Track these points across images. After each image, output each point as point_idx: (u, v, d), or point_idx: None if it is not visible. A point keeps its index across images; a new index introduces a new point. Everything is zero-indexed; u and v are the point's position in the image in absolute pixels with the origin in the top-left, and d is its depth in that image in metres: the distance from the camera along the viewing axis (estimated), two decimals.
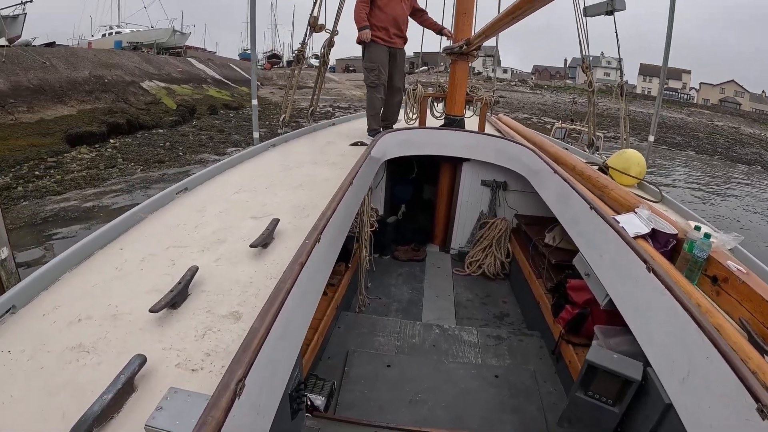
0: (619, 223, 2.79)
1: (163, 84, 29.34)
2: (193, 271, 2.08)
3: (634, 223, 2.80)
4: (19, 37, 28.13)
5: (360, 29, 5.47)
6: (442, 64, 6.51)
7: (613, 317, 2.79)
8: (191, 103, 27.18)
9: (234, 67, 47.07)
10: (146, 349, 1.60)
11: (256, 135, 5.91)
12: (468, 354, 4.16)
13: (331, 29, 6.07)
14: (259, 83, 46.08)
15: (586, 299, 3.33)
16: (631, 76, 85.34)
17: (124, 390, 1.39)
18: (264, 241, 2.42)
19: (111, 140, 19.26)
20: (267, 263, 2.29)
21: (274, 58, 74.05)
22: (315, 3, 5.80)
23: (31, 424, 1.37)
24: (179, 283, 1.98)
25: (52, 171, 15.16)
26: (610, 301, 2.74)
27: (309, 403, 2.96)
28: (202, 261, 2.27)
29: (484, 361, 4.07)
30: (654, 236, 2.71)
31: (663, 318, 2.09)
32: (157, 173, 15.31)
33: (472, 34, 5.66)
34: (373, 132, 5.81)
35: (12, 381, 1.55)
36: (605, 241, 2.79)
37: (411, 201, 6.97)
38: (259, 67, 61.16)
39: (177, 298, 1.90)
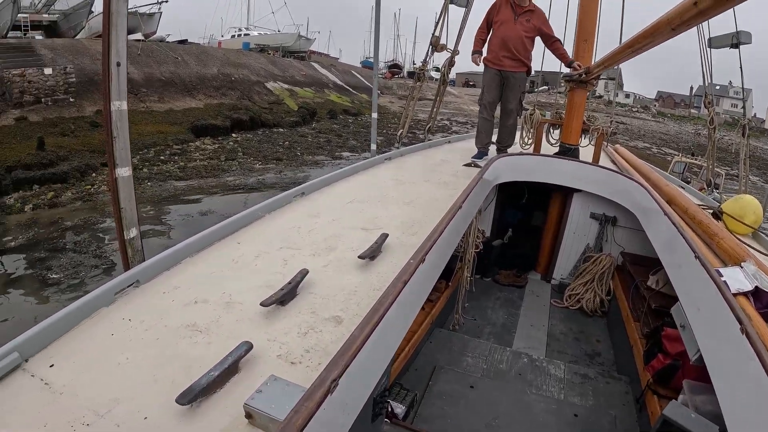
0: (721, 276, 2.65)
1: (286, 86, 30.67)
2: (304, 273, 2.25)
3: (737, 278, 2.66)
4: (155, 33, 30.69)
5: (472, 53, 5.75)
6: (563, 85, 6.41)
7: (703, 374, 2.66)
8: (312, 106, 28.22)
9: (355, 74, 48.32)
10: (253, 337, 1.76)
11: (373, 147, 6.14)
12: (552, 388, 4.14)
13: (452, 49, 6.25)
14: (379, 92, 46.85)
15: (680, 351, 3.19)
16: (762, 109, 77.63)
17: (229, 370, 1.58)
18: (372, 254, 2.55)
19: (233, 134, 20.33)
20: (372, 275, 2.41)
21: (395, 68, 75.18)
22: (437, 24, 6.04)
23: (142, 384, 1.57)
24: (290, 282, 2.15)
25: (176, 157, 16.35)
26: (701, 357, 2.64)
27: (390, 409, 3.10)
28: (312, 265, 2.42)
29: (567, 398, 4.03)
30: (757, 295, 2.57)
31: (749, 386, 1.99)
32: (274, 170, 15.97)
33: (593, 61, 5.65)
34: (478, 153, 5.93)
35: (129, 345, 1.78)
36: (704, 294, 2.69)
37: (518, 226, 6.94)
38: (380, 75, 61.85)
39: (286, 297, 2.08)
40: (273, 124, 23.19)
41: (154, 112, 19.76)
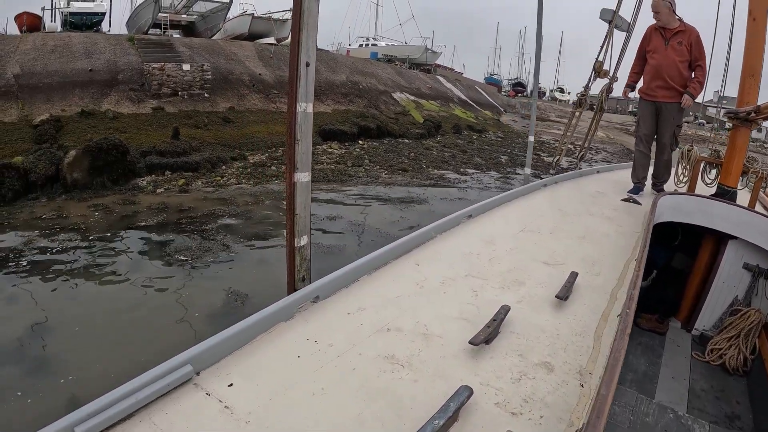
0: None
1: (412, 97, 30.54)
2: (506, 310, 2.19)
3: None
4: (286, 38, 31.68)
5: (624, 85, 5.95)
6: (720, 121, 5.77)
7: None
8: (437, 119, 27.81)
9: (479, 90, 47.84)
10: (464, 379, 1.72)
11: (527, 171, 6.50)
12: None
13: (611, 74, 6.52)
14: (501, 109, 46.05)
15: None
16: None
17: (452, 417, 1.49)
18: (566, 294, 2.49)
19: (360, 141, 20.31)
20: (569, 317, 2.34)
21: (518, 86, 74.53)
22: (601, 48, 6.30)
23: (348, 424, 1.50)
24: (494, 320, 2.10)
25: None
26: None
27: None
28: (505, 299, 2.39)
29: None
30: None
31: None
32: (401, 181, 15.49)
33: (758, 99, 5.41)
34: (634, 188, 5.90)
35: (322, 373, 1.73)
36: None
37: (663, 268, 6.64)
38: (503, 93, 61.40)
39: (491, 335, 2.02)
40: (399, 134, 22.96)
41: (283, 113, 19.91)
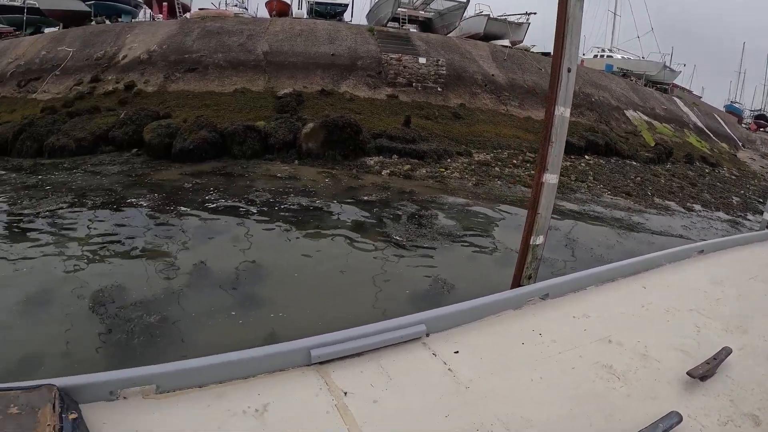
0: None
1: (645, 117, 28.71)
2: (727, 353, 2.12)
3: None
4: (521, 42, 31.69)
5: None
6: None
7: None
8: (669, 145, 25.78)
9: (718, 118, 43.47)
10: (675, 406, 1.72)
11: (767, 217, 5.95)
12: None
13: None
14: (740, 143, 41.46)
15: None
16: None
17: None
18: None
19: (586, 156, 19.46)
20: None
21: (762, 119, 66.29)
22: None
23: (557, 414, 1.63)
24: (714, 359, 2.05)
25: (528, 165, 16.18)
26: None
27: None
28: (727, 342, 2.28)
29: None
30: None
31: None
32: (622, 204, 14.60)
33: None
34: None
35: (542, 364, 1.91)
36: None
37: None
38: (743, 126, 55.42)
39: (709, 373, 1.97)
40: (627, 155, 21.60)
41: (513, 116, 20.14)
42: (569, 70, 2.55)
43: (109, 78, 20.76)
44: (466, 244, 8.90)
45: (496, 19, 30.47)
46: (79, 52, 23.03)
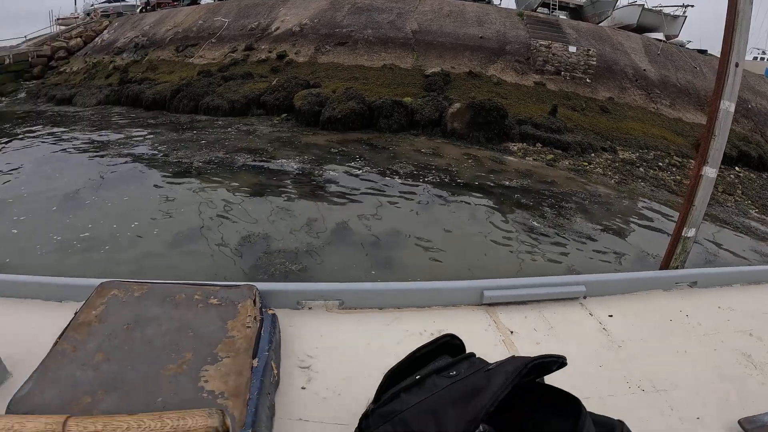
0: None
1: None
2: None
3: None
4: (676, 36, 29.83)
5: None
6: None
7: None
8: None
9: None
10: None
11: None
12: None
13: None
14: None
15: None
16: None
17: None
18: None
19: (736, 168, 18.30)
20: None
21: None
22: None
23: (698, 385, 1.73)
24: None
25: (674, 169, 15.52)
26: None
27: None
28: None
29: None
30: None
31: None
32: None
33: None
34: None
35: (686, 340, 1.96)
36: None
37: None
38: None
39: None
40: None
41: (662, 116, 19.35)
42: (737, 65, 2.56)
43: (262, 47, 22.33)
44: (602, 239, 8.90)
45: (650, 10, 29.07)
46: (234, 22, 24.87)
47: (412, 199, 9.70)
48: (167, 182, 10.39)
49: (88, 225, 8.02)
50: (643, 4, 28.91)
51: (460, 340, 1.38)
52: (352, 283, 2.15)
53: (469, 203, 9.74)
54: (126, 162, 12.26)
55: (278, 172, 11.09)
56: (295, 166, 11.53)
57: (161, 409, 1.12)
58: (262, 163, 11.75)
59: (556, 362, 1.10)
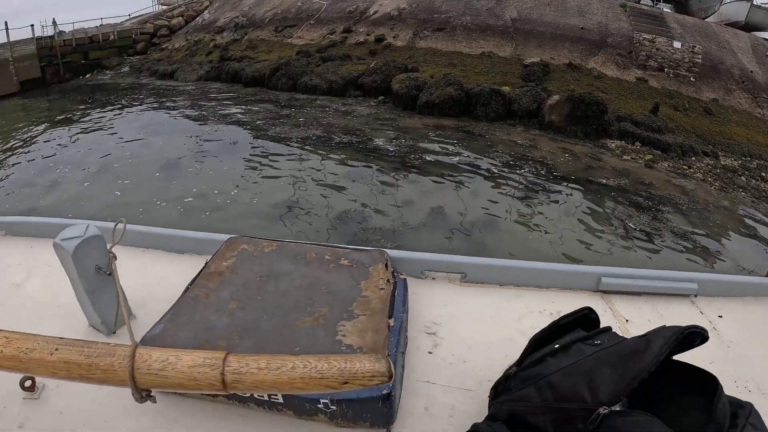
0: None
1: None
2: None
3: None
4: None
5: None
6: None
7: None
8: None
9: None
10: None
11: None
12: None
13: None
14: None
15: None
16: None
17: None
18: None
19: None
20: None
21: None
22: None
23: None
24: None
25: None
26: None
27: None
28: None
29: None
30: None
31: None
32: None
33: None
34: None
35: None
36: None
37: None
38: None
39: None
40: None
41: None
42: None
43: (360, 30, 22.87)
44: (700, 246, 8.77)
45: (759, 7, 27.56)
46: (332, 5, 25.62)
47: (509, 187, 9.99)
48: (268, 154, 11.09)
49: (192, 189, 8.89)
50: (752, 1, 27.44)
51: (597, 315, 1.48)
52: (475, 258, 2.25)
53: (565, 197, 9.90)
54: (227, 134, 13.22)
55: (375, 152, 11.59)
56: (391, 148, 11.97)
57: None
58: (359, 143, 12.23)
59: (701, 335, 1.18)
